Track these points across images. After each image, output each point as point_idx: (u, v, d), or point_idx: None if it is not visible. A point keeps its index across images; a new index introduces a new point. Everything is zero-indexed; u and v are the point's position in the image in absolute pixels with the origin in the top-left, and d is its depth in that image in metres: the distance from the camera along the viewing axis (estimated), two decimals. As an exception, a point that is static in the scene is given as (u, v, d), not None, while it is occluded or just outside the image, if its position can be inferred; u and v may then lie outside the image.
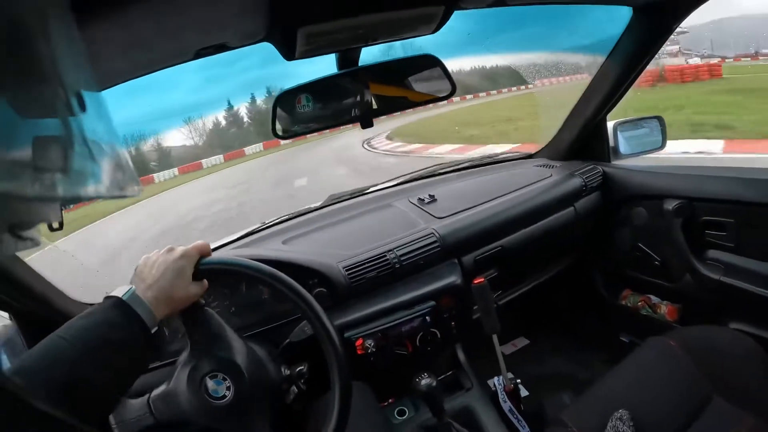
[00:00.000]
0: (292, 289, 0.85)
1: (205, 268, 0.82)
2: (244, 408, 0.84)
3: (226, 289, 1.18)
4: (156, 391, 0.84)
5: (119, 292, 0.73)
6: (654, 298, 1.67)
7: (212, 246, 1.37)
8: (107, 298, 0.73)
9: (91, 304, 1.29)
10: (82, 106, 0.28)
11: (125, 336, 0.69)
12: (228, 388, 0.83)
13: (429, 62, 1.04)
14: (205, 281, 0.84)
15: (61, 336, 0.65)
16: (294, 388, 0.91)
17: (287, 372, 0.95)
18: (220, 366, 0.83)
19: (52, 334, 0.66)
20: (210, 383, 0.82)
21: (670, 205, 1.43)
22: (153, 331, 0.74)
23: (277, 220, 1.53)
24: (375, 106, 1.05)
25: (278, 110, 1.01)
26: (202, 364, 0.83)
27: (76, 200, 0.28)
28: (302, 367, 0.96)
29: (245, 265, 0.85)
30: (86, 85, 0.29)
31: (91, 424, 0.46)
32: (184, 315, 0.84)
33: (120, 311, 0.71)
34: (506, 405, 1.30)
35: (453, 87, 1.07)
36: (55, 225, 0.42)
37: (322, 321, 0.85)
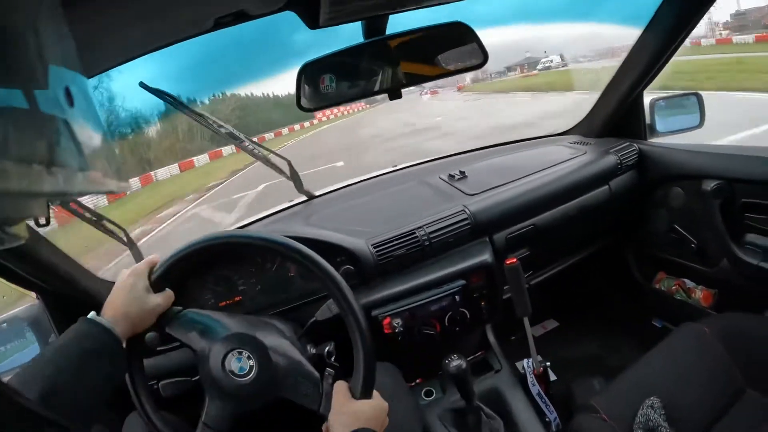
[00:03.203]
0: (270, 240, 0.86)
1: (157, 276, 0.86)
2: (277, 376, 0.82)
3: (253, 268, 1.17)
4: (203, 416, 0.82)
5: None
6: (689, 283, 1.61)
7: (242, 223, 1.39)
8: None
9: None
10: (70, 101, 0.28)
11: (96, 344, 0.74)
12: (249, 358, 0.81)
13: (459, 30, 0.99)
14: (169, 291, 0.86)
15: (41, 354, 0.73)
16: (330, 371, 0.89)
17: (313, 351, 0.94)
18: (230, 343, 0.82)
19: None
20: (232, 364, 0.81)
21: (709, 185, 1.37)
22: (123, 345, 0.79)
23: (305, 198, 1.52)
24: (403, 77, 1.01)
25: (303, 82, 0.98)
26: (213, 357, 0.82)
27: (63, 196, 0.28)
28: (329, 347, 0.94)
29: (187, 247, 0.87)
30: (74, 79, 0.29)
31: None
32: (161, 328, 0.85)
33: (88, 324, 0.76)
34: (535, 388, 1.28)
35: (485, 56, 1.02)
36: (42, 221, 0.41)
37: (340, 287, 0.84)
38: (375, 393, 0.84)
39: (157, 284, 0.85)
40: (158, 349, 1.04)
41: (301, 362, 0.85)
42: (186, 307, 0.88)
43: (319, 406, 0.82)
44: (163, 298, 0.84)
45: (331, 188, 1.59)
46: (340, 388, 0.82)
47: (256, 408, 0.82)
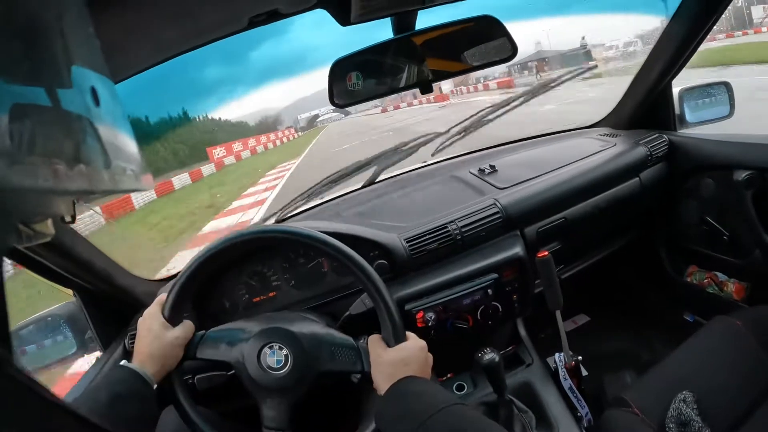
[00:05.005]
0: (303, 235, 0.87)
1: (168, 311, 0.86)
2: (313, 355, 0.83)
3: (286, 263, 1.19)
4: (263, 422, 0.83)
5: None
6: (721, 276, 1.58)
7: (272, 221, 1.41)
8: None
9: (156, 280, 1.32)
10: (96, 101, 0.28)
11: (125, 387, 0.77)
12: (281, 348, 0.82)
13: (488, 23, 0.99)
14: (187, 321, 0.88)
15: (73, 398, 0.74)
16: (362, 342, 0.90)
17: None
18: (259, 341, 0.83)
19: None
20: (267, 360, 0.82)
21: (740, 176, 1.35)
22: (155, 387, 0.81)
23: (338, 194, 1.54)
24: (434, 71, 1.01)
25: (334, 80, 0.99)
26: (248, 361, 0.82)
27: (88, 194, 0.28)
28: (363, 341, 0.95)
29: (187, 269, 0.88)
30: (99, 79, 0.30)
31: None
32: (193, 357, 0.86)
33: (119, 369, 0.80)
34: (566, 383, 1.26)
35: (514, 49, 1.02)
36: (68, 219, 0.43)
37: (372, 279, 0.84)
38: (410, 334, 0.84)
39: (172, 318, 0.86)
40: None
41: (330, 333, 0.86)
42: (217, 305, 0.89)
43: (362, 366, 0.83)
44: (182, 329, 0.86)
45: (364, 183, 1.60)
46: (374, 341, 0.83)
47: (307, 393, 0.83)
